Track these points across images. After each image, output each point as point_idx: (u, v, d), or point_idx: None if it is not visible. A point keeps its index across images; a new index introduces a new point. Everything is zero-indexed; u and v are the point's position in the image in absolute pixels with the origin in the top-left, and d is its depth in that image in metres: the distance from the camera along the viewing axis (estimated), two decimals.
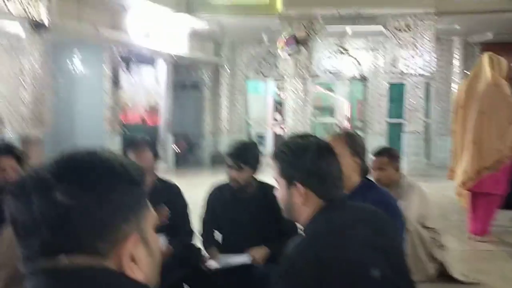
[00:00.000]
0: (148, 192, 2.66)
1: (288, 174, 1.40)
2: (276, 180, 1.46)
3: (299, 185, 1.37)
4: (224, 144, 12.74)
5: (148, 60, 10.87)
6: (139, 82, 11.57)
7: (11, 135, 8.34)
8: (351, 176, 2.05)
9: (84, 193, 0.63)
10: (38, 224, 0.62)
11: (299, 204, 1.39)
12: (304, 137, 1.47)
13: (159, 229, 2.40)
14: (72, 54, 10.33)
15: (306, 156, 1.37)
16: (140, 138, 2.61)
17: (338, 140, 2.07)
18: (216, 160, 12.72)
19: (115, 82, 10.19)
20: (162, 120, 12.05)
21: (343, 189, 1.46)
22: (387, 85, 12.91)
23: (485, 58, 4.29)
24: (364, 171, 2.10)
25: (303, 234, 1.37)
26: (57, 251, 0.63)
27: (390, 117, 13.08)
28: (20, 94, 8.27)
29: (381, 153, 3.16)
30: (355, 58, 12.91)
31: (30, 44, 7.99)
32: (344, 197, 1.50)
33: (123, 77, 10.50)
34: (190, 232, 2.87)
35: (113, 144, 9.86)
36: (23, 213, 0.63)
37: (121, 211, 0.66)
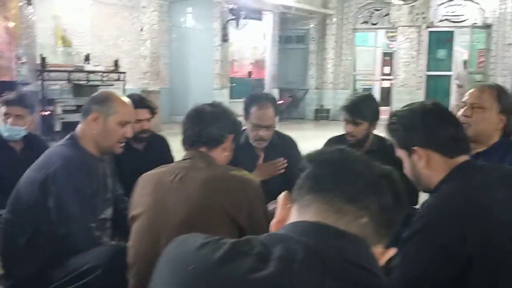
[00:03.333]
0: (268, 147, 2.76)
1: (405, 143, 1.40)
2: (399, 155, 1.44)
3: (418, 149, 1.35)
4: (329, 98, 12.55)
5: (256, 13, 10.92)
6: (246, 36, 11.72)
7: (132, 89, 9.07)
8: (493, 134, 1.92)
9: None
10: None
11: (425, 169, 1.35)
12: (409, 104, 1.49)
13: (276, 179, 2.51)
14: (185, 10, 10.76)
15: (415, 120, 1.38)
16: (264, 94, 2.68)
17: (489, 92, 1.93)
18: (320, 115, 12.63)
19: (225, 37, 10.44)
20: (267, 73, 12.18)
21: (467, 145, 1.39)
22: None
23: None
24: (509, 131, 1.94)
25: (435, 195, 1.33)
26: None
27: None
28: (139, 50, 8.91)
29: None
30: (478, 3, 11.63)
31: (149, 1, 8.47)
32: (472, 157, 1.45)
33: (232, 31, 10.72)
34: None
35: (222, 96, 10.28)
36: None
37: None
